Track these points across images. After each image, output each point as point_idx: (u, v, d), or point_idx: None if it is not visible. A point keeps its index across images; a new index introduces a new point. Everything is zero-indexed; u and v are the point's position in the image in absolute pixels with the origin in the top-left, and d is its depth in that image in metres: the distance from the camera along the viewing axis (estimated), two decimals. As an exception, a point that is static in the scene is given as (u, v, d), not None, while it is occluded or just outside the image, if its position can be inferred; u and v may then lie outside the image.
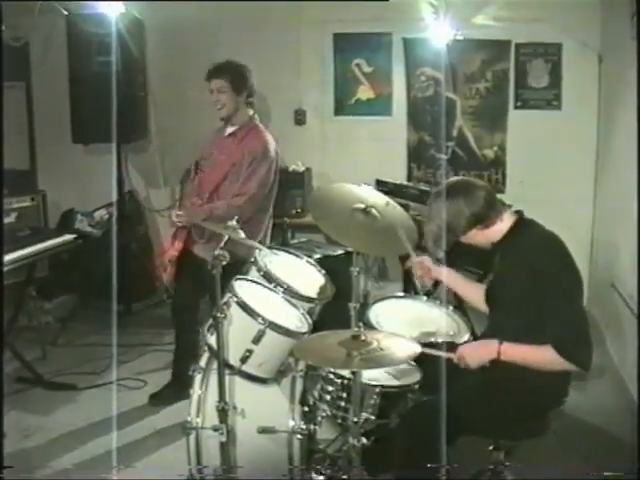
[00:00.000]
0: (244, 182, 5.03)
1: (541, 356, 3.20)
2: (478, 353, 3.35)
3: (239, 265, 4.18)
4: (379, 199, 3.64)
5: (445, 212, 3.34)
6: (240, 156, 5.07)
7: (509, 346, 3.27)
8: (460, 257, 3.99)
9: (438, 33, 6.26)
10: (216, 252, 3.41)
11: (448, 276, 3.85)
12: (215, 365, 3.61)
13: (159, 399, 5.31)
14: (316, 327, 3.76)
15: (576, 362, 3.18)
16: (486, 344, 3.36)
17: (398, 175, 6.84)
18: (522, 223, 3.43)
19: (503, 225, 3.40)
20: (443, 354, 3.39)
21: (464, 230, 3.37)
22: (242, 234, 3.75)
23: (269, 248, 4.30)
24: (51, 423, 4.99)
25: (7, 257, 5.01)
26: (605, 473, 3.47)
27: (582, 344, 3.21)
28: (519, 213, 3.47)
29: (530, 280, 3.23)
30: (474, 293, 3.79)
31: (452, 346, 3.49)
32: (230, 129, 5.23)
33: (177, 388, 5.12)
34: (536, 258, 3.27)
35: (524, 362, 3.24)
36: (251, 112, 5.25)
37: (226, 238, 3.57)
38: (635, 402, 4.89)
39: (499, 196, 3.54)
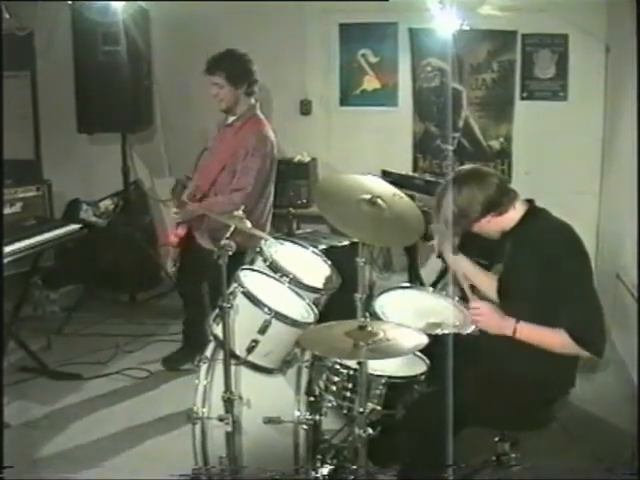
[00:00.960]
0: (241, 176, 5.10)
1: (555, 339, 3.21)
2: (496, 321, 3.36)
3: (238, 255, 4.19)
4: (386, 189, 3.63)
5: (459, 199, 3.34)
6: (237, 147, 5.14)
7: (525, 326, 3.28)
8: (465, 248, 3.98)
9: (444, 23, 6.22)
10: (222, 242, 3.42)
11: (461, 260, 3.85)
12: (221, 355, 3.62)
13: (171, 362, 5.61)
14: (321, 318, 3.76)
15: (589, 348, 3.19)
16: (505, 318, 3.36)
17: (403, 166, 6.83)
18: (534, 212, 3.42)
19: (516, 213, 3.40)
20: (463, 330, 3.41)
21: (479, 216, 3.36)
22: (248, 224, 3.76)
23: (275, 238, 4.29)
24: (56, 413, 5.01)
25: (13, 247, 5.02)
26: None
27: (595, 330, 3.22)
28: (530, 202, 3.46)
29: (544, 268, 3.23)
30: (486, 281, 3.78)
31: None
32: (230, 119, 5.29)
33: (188, 352, 5.38)
34: (549, 246, 3.27)
35: (538, 343, 3.26)
36: (252, 101, 5.28)
37: (233, 228, 3.57)
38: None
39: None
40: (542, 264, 3.25)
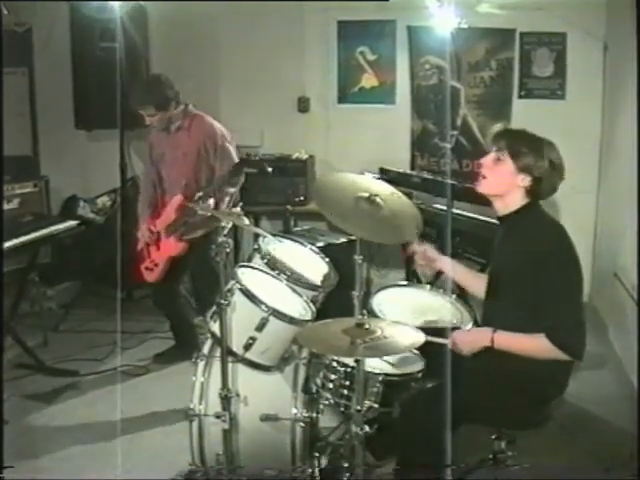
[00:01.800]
0: (223, 163, 5.26)
1: (534, 345, 3.19)
2: (471, 340, 3.34)
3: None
4: (384, 188, 3.63)
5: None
6: (200, 142, 5.29)
7: (502, 334, 3.26)
8: (463, 245, 3.99)
9: (442, 21, 6.22)
10: (220, 239, 3.42)
11: (450, 266, 3.84)
12: (218, 352, 3.62)
13: (164, 359, 5.70)
14: (319, 315, 3.76)
15: (568, 351, 3.17)
16: (479, 331, 3.36)
17: (401, 164, 6.83)
18: (530, 207, 3.40)
19: (515, 202, 3.39)
20: (439, 340, 3.38)
21: (533, 167, 3.34)
22: (246, 220, 3.78)
23: (273, 235, 4.30)
24: (52, 409, 5.01)
25: (10, 243, 5.02)
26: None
27: (575, 333, 3.19)
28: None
29: (529, 265, 3.22)
30: (475, 283, 3.76)
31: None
32: (173, 126, 5.36)
33: (181, 350, 5.55)
34: (537, 244, 3.26)
35: (518, 351, 3.23)
36: (182, 107, 5.35)
37: (230, 225, 3.57)
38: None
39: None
40: (528, 261, 3.24)
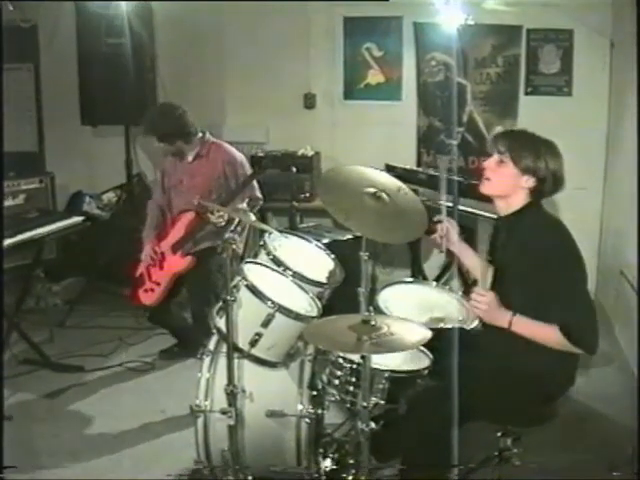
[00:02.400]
0: (246, 189, 5.29)
1: (549, 335, 3.19)
2: (494, 312, 3.33)
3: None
4: (390, 183, 3.62)
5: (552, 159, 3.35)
6: (219, 168, 5.36)
7: (521, 319, 3.26)
8: (469, 242, 3.97)
9: (449, 17, 6.21)
10: (226, 235, 3.42)
11: (465, 252, 3.83)
12: (224, 348, 3.62)
13: (169, 354, 5.75)
14: (325, 312, 3.76)
15: (581, 345, 3.18)
16: (501, 309, 3.33)
17: (407, 160, 6.82)
18: (532, 205, 3.40)
19: (518, 202, 3.39)
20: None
21: (534, 169, 3.34)
22: (252, 217, 3.78)
23: (279, 232, 4.29)
24: (58, 405, 5.01)
25: (15, 239, 5.03)
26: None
27: (587, 329, 3.19)
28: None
29: (533, 264, 3.22)
30: (486, 273, 3.76)
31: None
32: (191, 154, 5.42)
33: (185, 346, 5.59)
34: (539, 241, 3.26)
35: (532, 337, 3.24)
36: (199, 136, 5.41)
37: (236, 221, 3.57)
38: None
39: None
40: (532, 260, 3.24)
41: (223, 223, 4.94)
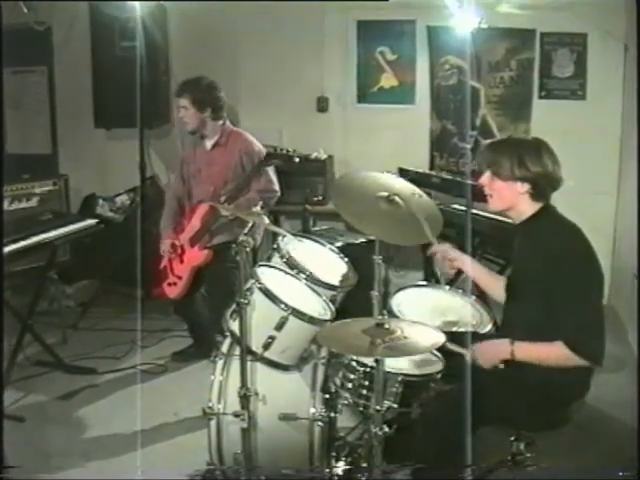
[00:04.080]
0: (261, 179, 5.30)
1: (553, 353, 3.17)
2: (491, 353, 3.32)
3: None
4: (404, 187, 3.62)
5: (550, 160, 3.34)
6: (236, 157, 5.35)
7: (521, 345, 3.25)
8: (482, 246, 3.98)
9: (462, 21, 6.20)
10: (240, 238, 3.42)
11: (470, 266, 3.82)
12: (237, 351, 3.63)
13: (182, 357, 5.75)
14: (338, 315, 3.76)
15: (587, 357, 3.15)
16: (498, 344, 3.32)
17: (420, 164, 6.81)
18: (546, 211, 3.39)
19: (528, 208, 3.38)
20: (459, 349, 3.37)
21: (517, 177, 3.33)
22: (266, 220, 3.79)
23: (292, 234, 4.30)
24: (70, 406, 5.02)
25: (29, 241, 5.05)
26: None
27: (594, 339, 3.17)
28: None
29: (548, 269, 3.20)
30: (494, 285, 3.74)
31: (474, 336, 3.48)
32: (210, 142, 5.44)
33: (199, 349, 5.59)
34: (555, 246, 3.24)
35: (537, 360, 3.22)
36: (220, 122, 5.42)
37: (250, 224, 3.58)
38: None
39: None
40: (544, 265, 3.23)
41: (232, 217, 5.00)
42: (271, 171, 5.37)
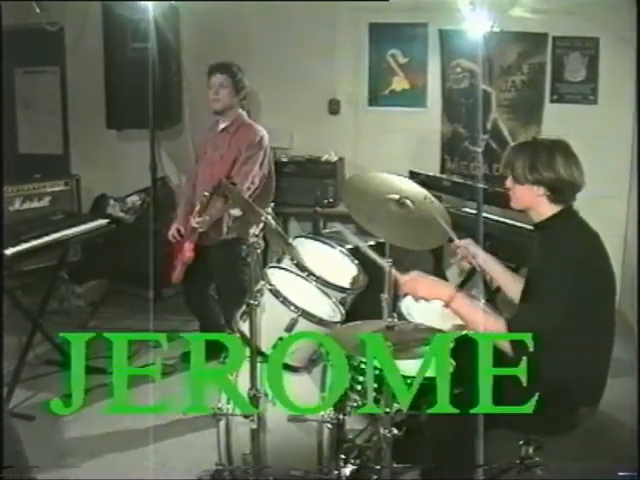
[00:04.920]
0: (242, 167, 5.30)
1: (488, 323, 3.19)
2: (430, 286, 3.35)
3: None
4: (415, 190, 3.62)
5: (542, 157, 3.33)
6: (237, 151, 5.34)
7: (464, 299, 3.27)
8: (493, 249, 3.97)
9: (474, 25, 6.20)
10: (251, 239, 3.42)
11: (489, 262, 3.82)
12: (247, 352, 3.63)
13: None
14: (348, 317, 3.76)
15: (516, 351, 3.15)
16: (444, 284, 3.37)
17: (431, 167, 6.82)
18: (567, 214, 3.39)
19: (547, 210, 3.37)
20: (378, 260, 3.45)
21: (532, 181, 3.34)
22: (273, 223, 3.79)
23: (303, 237, 4.31)
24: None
25: (40, 240, 5.06)
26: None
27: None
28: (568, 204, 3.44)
29: (563, 270, 3.20)
30: (512, 283, 3.75)
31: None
32: (222, 124, 5.47)
33: (208, 349, 5.43)
34: (569, 250, 3.24)
35: (467, 320, 3.26)
36: (240, 111, 5.49)
37: (261, 226, 3.58)
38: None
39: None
40: (560, 268, 3.22)
41: (203, 228, 5.10)
42: (257, 165, 5.34)
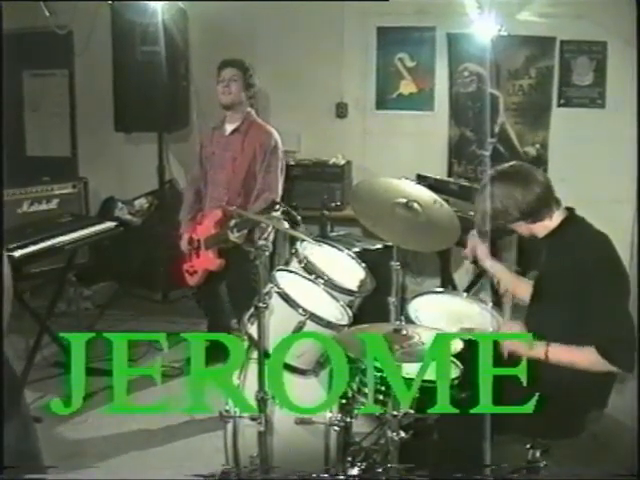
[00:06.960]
0: (266, 176, 5.27)
1: (585, 357, 3.17)
2: (527, 347, 3.32)
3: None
4: (423, 194, 3.63)
5: (497, 199, 3.34)
6: (251, 152, 5.30)
7: (556, 347, 3.24)
8: (499, 253, 3.98)
9: (482, 29, 6.22)
10: (260, 242, 3.43)
11: (497, 269, 3.84)
12: (253, 355, 3.64)
13: None
14: (355, 320, 3.76)
15: (618, 364, 3.15)
16: (536, 344, 3.33)
17: (438, 170, 6.81)
18: (573, 220, 3.40)
19: (551, 222, 3.38)
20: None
21: (512, 220, 3.36)
22: (286, 224, 3.80)
23: (313, 240, 4.32)
24: (87, 407, 5.05)
25: (48, 243, 5.08)
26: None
27: (625, 346, 3.16)
28: (570, 210, 3.44)
29: (576, 278, 3.20)
30: (519, 286, 3.76)
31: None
32: (230, 127, 5.43)
33: (216, 351, 5.39)
34: (584, 256, 3.24)
35: (568, 364, 3.22)
36: (249, 109, 5.44)
37: (270, 229, 3.59)
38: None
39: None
40: (574, 275, 3.22)
41: (240, 242, 4.95)
42: (279, 172, 5.35)
